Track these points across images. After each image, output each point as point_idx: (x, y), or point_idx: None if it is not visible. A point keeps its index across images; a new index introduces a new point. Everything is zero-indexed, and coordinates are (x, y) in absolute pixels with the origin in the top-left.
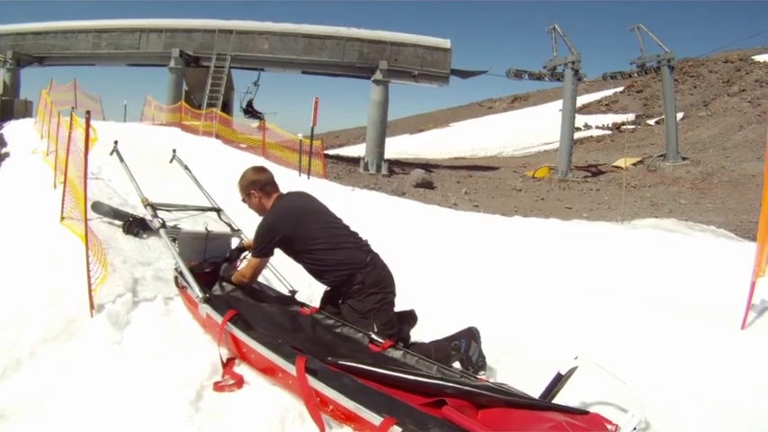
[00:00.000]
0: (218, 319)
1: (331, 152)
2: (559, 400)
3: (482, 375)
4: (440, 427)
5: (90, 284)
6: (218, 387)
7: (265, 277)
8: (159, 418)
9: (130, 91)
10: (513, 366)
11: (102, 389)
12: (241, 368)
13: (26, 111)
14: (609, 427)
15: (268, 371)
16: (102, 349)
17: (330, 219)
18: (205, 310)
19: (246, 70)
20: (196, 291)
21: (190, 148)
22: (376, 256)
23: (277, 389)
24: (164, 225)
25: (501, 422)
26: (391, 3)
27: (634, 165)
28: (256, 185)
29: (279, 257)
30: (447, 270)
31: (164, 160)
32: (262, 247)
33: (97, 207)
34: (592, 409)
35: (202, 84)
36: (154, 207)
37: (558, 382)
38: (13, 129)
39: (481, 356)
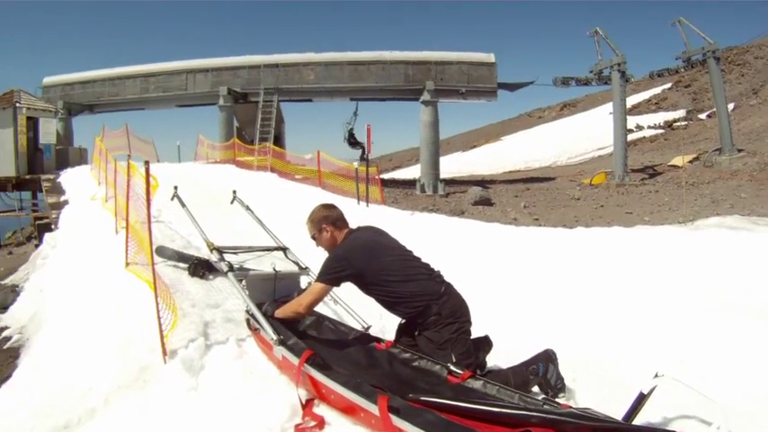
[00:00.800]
0: (295, 360)
1: (386, 176)
2: (641, 418)
3: (562, 398)
4: None
5: (161, 330)
6: (300, 430)
7: (337, 314)
8: None
9: (182, 131)
10: (591, 386)
11: None
12: (321, 409)
13: (81, 158)
14: None
15: (349, 411)
16: (179, 396)
17: (402, 251)
18: (280, 351)
19: (296, 102)
20: (270, 333)
21: (246, 184)
22: (450, 285)
23: (360, 428)
24: (231, 268)
25: None
26: (433, 21)
27: (690, 162)
28: (328, 220)
29: (350, 292)
30: (514, 289)
31: (221, 198)
32: (329, 274)
33: (161, 251)
34: (676, 427)
35: (253, 119)
36: (220, 251)
37: (641, 401)
38: (70, 177)
39: (560, 379)
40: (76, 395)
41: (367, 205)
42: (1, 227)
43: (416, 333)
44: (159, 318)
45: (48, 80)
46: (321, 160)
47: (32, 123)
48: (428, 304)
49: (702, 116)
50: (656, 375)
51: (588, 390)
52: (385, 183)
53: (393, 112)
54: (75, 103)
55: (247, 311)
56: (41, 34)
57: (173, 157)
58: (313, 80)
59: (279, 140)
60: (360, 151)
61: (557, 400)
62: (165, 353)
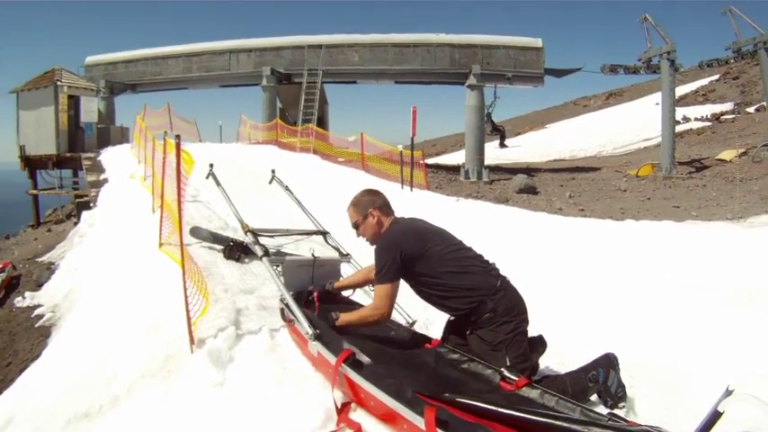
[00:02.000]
0: (332, 359)
1: (429, 161)
2: None
3: (622, 407)
4: None
5: (189, 318)
6: None
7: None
8: None
9: (224, 111)
10: (651, 394)
11: None
12: (358, 414)
13: (122, 137)
14: None
15: (390, 419)
16: (203, 391)
17: (454, 240)
18: (316, 347)
19: (339, 84)
20: (305, 326)
21: (288, 166)
22: (506, 280)
23: None
24: (267, 253)
25: None
26: (480, 4)
27: (738, 156)
28: (375, 204)
29: None
30: (563, 283)
31: (262, 179)
32: (388, 267)
33: (196, 232)
34: None
35: (296, 100)
36: (255, 234)
37: (714, 420)
38: (110, 155)
39: (621, 386)
40: (101, 381)
41: (411, 190)
42: (42, 205)
43: (468, 332)
44: (187, 303)
45: (90, 59)
46: (365, 143)
47: (74, 102)
48: (483, 300)
49: (751, 110)
50: (728, 390)
51: (648, 399)
52: (429, 168)
53: (438, 97)
54: (117, 83)
55: (282, 300)
56: (85, 14)
57: (215, 137)
58: (357, 62)
59: (322, 122)
60: (498, 137)
61: (618, 413)
62: (192, 341)
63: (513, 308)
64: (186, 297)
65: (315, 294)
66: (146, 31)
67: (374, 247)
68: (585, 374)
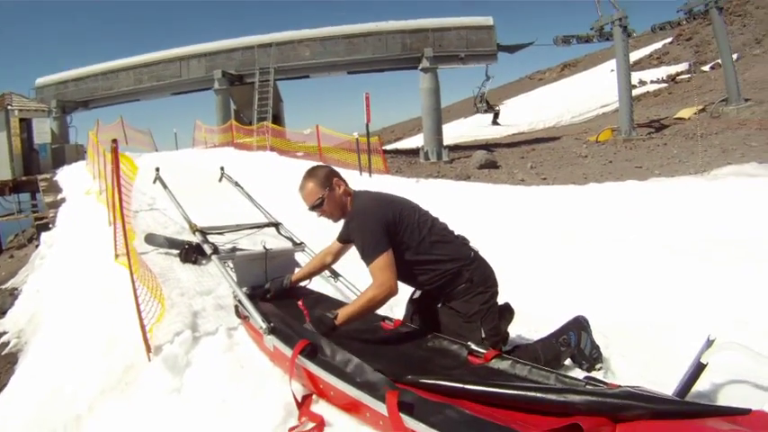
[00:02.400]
0: (288, 351)
1: (389, 147)
2: (694, 391)
3: (599, 369)
4: None
5: (143, 326)
6: None
7: (339, 290)
8: None
9: (179, 119)
10: (628, 353)
11: None
12: (320, 406)
13: (78, 155)
14: None
15: (352, 408)
16: (161, 399)
17: (423, 209)
18: (271, 342)
19: (293, 80)
20: (259, 321)
21: (245, 165)
22: (477, 251)
23: (367, 429)
24: (216, 250)
25: None
26: None
27: (697, 114)
28: (336, 175)
29: (346, 264)
30: (530, 251)
31: (218, 181)
32: (378, 237)
33: (151, 239)
34: (737, 399)
35: (250, 100)
36: (203, 232)
37: (698, 372)
38: (66, 174)
39: (595, 347)
40: (64, 401)
41: (370, 176)
42: (3, 231)
43: (439, 305)
44: (139, 312)
45: (40, 81)
46: (321, 135)
47: (26, 125)
48: (459, 270)
49: (706, 68)
50: (710, 340)
51: (625, 358)
52: (388, 153)
53: (393, 83)
54: (69, 101)
55: (236, 297)
56: (33, 36)
57: (171, 146)
58: (309, 56)
59: (277, 119)
60: (491, 116)
61: (596, 375)
62: (148, 350)
63: (488, 278)
64: (138, 305)
65: (272, 294)
66: (95, 49)
67: (350, 223)
68: (556, 339)
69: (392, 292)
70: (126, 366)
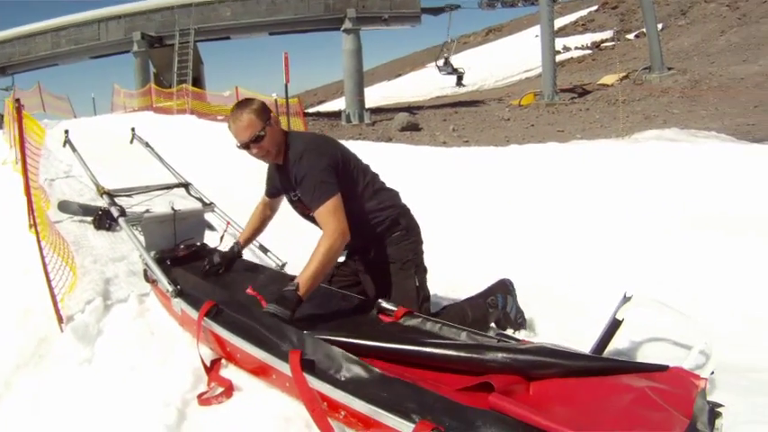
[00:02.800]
0: (194, 314)
1: (311, 110)
2: (612, 347)
3: (522, 334)
4: (491, 424)
5: (54, 296)
6: (204, 401)
7: (253, 252)
8: None
9: (98, 83)
10: (548, 313)
11: (69, 426)
12: (229, 371)
13: None
14: (696, 381)
15: (259, 371)
16: (72, 370)
17: (357, 156)
18: (179, 305)
19: (213, 41)
20: (165, 284)
21: (164, 130)
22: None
23: (275, 392)
24: (123, 213)
25: (563, 399)
26: None
27: (620, 80)
28: (269, 111)
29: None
30: (449, 211)
31: (136, 147)
32: (327, 178)
33: (64, 206)
34: (651, 354)
35: (170, 63)
36: (111, 195)
37: (614, 329)
38: None
39: (519, 312)
40: None
41: None
42: None
43: (371, 254)
44: (49, 281)
45: None
46: (240, 96)
47: None
48: (397, 217)
49: (630, 36)
50: (626, 297)
51: (547, 318)
52: (310, 116)
53: (316, 46)
54: None
55: (144, 260)
56: None
57: (90, 111)
58: (230, 17)
59: (198, 82)
60: (456, 78)
61: (515, 335)
62: (60, 320)
63: (418, 228)
64: (48, 275)
65: (224, 267)
66: (10, 12)
67: (296, 163)
68: (484, 300)
69: (347, 236)
70: (39, 339)
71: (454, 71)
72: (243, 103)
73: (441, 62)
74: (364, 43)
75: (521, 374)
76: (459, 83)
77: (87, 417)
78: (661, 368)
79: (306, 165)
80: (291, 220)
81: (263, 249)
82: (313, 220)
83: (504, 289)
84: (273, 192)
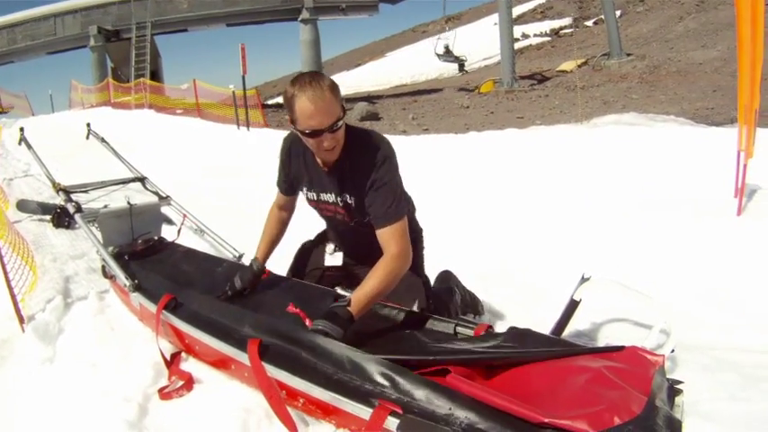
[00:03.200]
0: (153, 308)
1: (271, 102)
2: (570, 329)
3: (477, 320)
4: (450, 401)
5: (14, 296)
6: (165, 395)
7: (211, 245)
8: None
9: (55, 80)
10: (511, 298)
11: (32, 427)
12: (190, 363)
13: None
14: (653, 359)
15: (219, 363)
16: (34, 370)
17: None
18: (137, 299)
19: (171, 34)
20: (122, 279)
21: (122, 125)
22: None
23: (235, 383)
24: (79, 209)
25: (519, 382)
26: None
27: (579, 66)
28: None
29: (218, 216)
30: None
31: (93, 142)
32: (402, 190)
33: (23, 205)
34: (610, 335)
35: (127, 57)
36: (66, 191)
37: (572, 310)
38: None
39: (472, 296)
40: None
41: (248, 129)
42: None
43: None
44: (8, 281)
45: None
46: (198, 89)
47: None
48: (415, 227)
49: (589, 23)
50: (584, 278)
51: (511, 304)
52: (270, 108)
53: (276, 38)
54: None
55: (101, 256)
56: None
57: (47, 109)
58: (186, 9)
59: (156, 76)
60: (458, 66)
61: (472, 320)
62: (21, 320)
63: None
64: (7, 275)
65: (248, 288)
66: None
67: (377, 167)
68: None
69: (410, 260)
70: (1, 340)
71: (456, 59)
72: (316, 77)
73: (440, 50)
74: (322, 33)
75: (478, 362)
76: (462, 70)
77: (50, 416)
78: (617, 348)
79: (388, 173)
80: (247, 209)
81: (217, 240)
82: (346, 230)
83: (451, 280)
84: (293, 189)
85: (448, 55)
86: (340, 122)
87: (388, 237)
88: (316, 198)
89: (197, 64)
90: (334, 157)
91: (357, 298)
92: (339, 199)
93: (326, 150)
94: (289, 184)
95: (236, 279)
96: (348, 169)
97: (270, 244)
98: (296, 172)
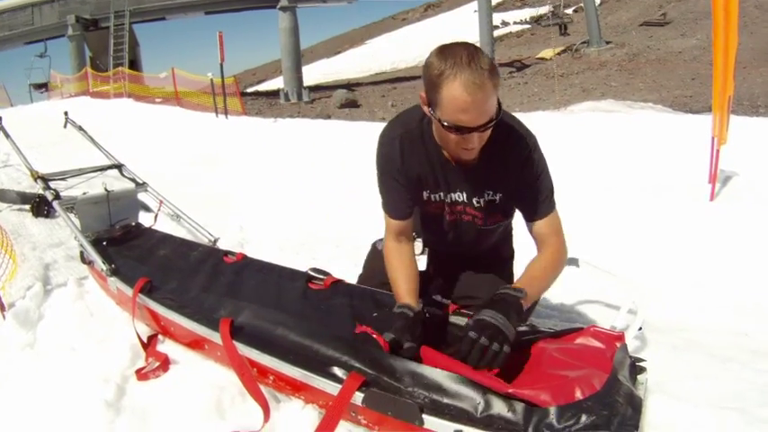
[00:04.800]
0: (129, 291)
1: (250, 90)
2: (539, 310)
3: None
4: (419, 373)
5: None
6: (142, 375)
7: (188, 231)
8: None
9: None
10: None
11: (14, 409)
12: (166, 345)
13: None
14: (614, 336)
15: (193, 344)
16: (15, 356)
17: None
18: (115, 284)
19: (149, 22)
20: (100, 263)
21: (101, 114)
22: None
23: (209, 363)
24: (57, 196)
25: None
26: None
27: (558, 54)
28: None
29: (194, 202)
30: None
31: (72, 132)
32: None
33: (1, 195)
34: (578, 314)
35: (106, 46)
36: (45, 179)
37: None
38: None
39: None
40: None
41: (226, 117)
42: None
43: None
44: None
45: None
46: (177, 77)
47: None
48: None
49: (569, 11)
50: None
51: None
52: (249, 96)
53: (255, 26)
54: None
55: (79, 242)
56: None
57: (26, 100)
58: None
59: (135, 65)
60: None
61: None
62: (1, 308)
63: None
64: None
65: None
66: None
67: (528, 158)
68: None
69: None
70: None
71: (561, 21)
72: (476, 55)
73: (549, 13)
74: (301, 21)
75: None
76: (564, 32)
77: (31, 398)
78: (578, 329)
79: (541, 161)
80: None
81: (194, 225)
82: (463, 233)
83: None
84: (414, 202)
85: (554, 17)
86: (496, 118)
87: (549, 229)
88: (440, 199)
89: (176, 53)
90: (473, 155)
91: (534, 292)
92: (475, 199)
93: (466, 149)
94: (407, 201)
95: (404, 340)
96: (492, 164)
97: (412, 283)
98: (417, 175)
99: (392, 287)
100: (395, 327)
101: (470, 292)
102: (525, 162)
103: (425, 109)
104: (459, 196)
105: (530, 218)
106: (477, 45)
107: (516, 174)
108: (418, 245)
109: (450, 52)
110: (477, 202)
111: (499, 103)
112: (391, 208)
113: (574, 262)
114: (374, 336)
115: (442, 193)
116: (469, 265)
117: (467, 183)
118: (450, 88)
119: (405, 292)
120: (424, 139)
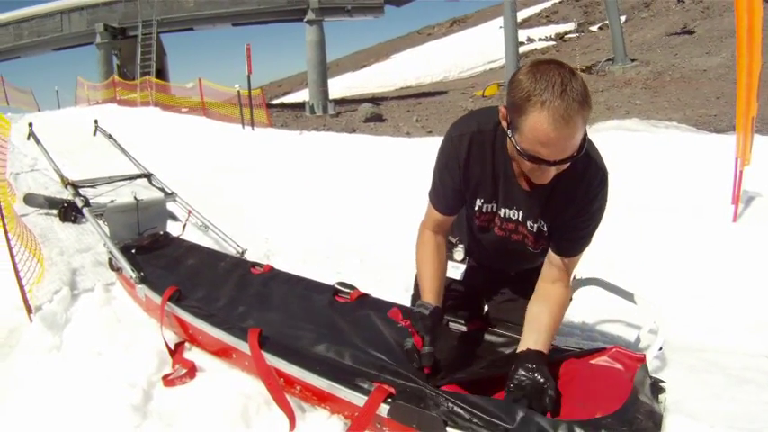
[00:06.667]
0: (158, 299)
1: (275, 102)
2: (562, 330)
3: None
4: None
5: (22, 287)
6: (168, 382)
7: (215, 241)
8: None
9: (61, 76)
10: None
11: (40, 412)
12: (193, 352)
13: None
14: (636, 359)
15: (221, 353)
16: (42, 358)
17: None
18: (143, 291)
19: (177, 33)
20: (129, 270)
21: (128, 122)
22: None
23: (236, 372)
24: (87, 203)
25: (500, 383)
26: None
27: (583, 71)
28: None
29: (221, 213)
30: (410, 202)
31: (100, 139)
32: None
33: (30, 199)
34: (600, 334)
35: (133, 55)
36: (75, 186)
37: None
38: None
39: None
40: None
41: (252, 129)
42: None
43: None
44: (17, 272)
45: None
46: (204, 88)
47: None
48: None
49: (594, 28)
50: (575, 278)
51: None
52: (274, 108)
53: (281, 38)
54: None
55: (109, 250)
56: None
57: (53, 105)
58: (193, 8)
59: (162, 74)
60: None
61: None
62: (29, 310)
63: None
64: (16, 267)
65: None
66: None
67: (590, 189)
68: None
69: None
70: (9, 330)
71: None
72: (571, 83)
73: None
74: (328, 34)
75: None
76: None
77: (57, 401)
78: (600, 350)
79: (603, 203)
80: (250, 207)
81: (221, 236)
82: (510, 251)
83: None
84: (462, 202)
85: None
86: (577, 156)
87: (568, 266)
88: (492, 211)
89: (202, 63)
90: (545, 182)
91: (547, 341)
92: (530, 222)
93: (539, 177)
94: (458, 199)
95: (424, 354)
96: (557, 193)
97: (439, 280)
98: (476, 180)
99: (418, 277)
100: (426, 333)
101: (507, 316)
102: (592, 199)
103: (504, 124)
104: (515, 214)
105: (561, 252)
106: (571, 68)
107: (578, 208)
108: (460, 252)
109: (543, 74)
110: (531, 226)
111: (584, 136)
112: (439, 200)
113: (575, 278)
114: (408, 329)
115: (495, 206)
116: (508, 283)
117: (526, 204)
118: (536, 118)
119: (428, 289)
120: (494, 146)
